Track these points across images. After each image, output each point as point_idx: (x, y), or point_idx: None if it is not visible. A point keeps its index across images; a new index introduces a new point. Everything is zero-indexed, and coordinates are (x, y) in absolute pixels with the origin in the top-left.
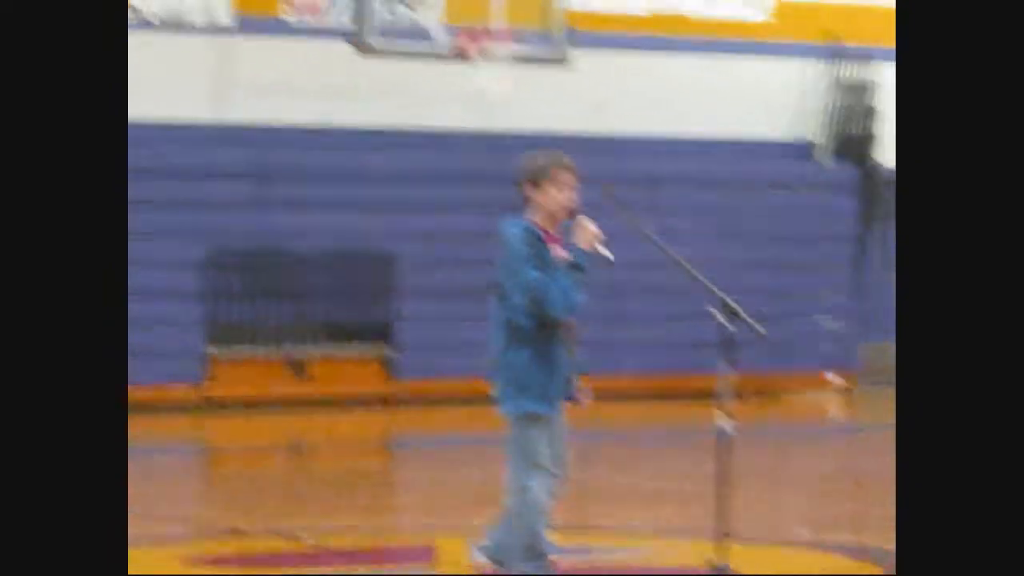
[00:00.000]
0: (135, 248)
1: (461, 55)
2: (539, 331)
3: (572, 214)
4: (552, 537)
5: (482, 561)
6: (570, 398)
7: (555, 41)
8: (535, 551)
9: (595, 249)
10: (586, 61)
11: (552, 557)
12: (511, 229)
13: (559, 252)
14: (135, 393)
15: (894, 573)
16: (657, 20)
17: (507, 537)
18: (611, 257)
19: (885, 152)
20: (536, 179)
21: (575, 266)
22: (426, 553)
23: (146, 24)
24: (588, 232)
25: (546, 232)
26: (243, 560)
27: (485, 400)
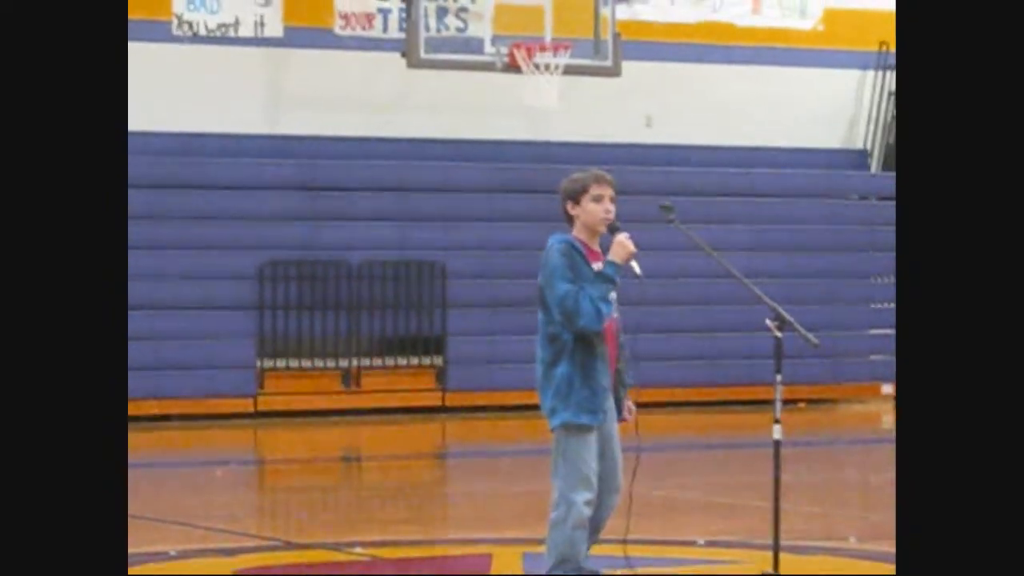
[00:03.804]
0: (188, 261)
1: (511, 67)
2: (579, 343)
3: (612, 227)
4: (600, 550)
5: None
6: (617, 418)
7: (605, 52)
8: (570, 566)
9: (628, 265)
10: (636, 71)
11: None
12: (552, 243)
13: (598, 266)
14: (190, 406)
15: None
16: (706, 29)
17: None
18: (639, 272)
19: None
20: (575, 196)
21: (605, 277)
22: (482, 564)
23: (197, 38)
24: (624, 249)
25: (586, 246)
26: (296, 572)
27: (536, 411)
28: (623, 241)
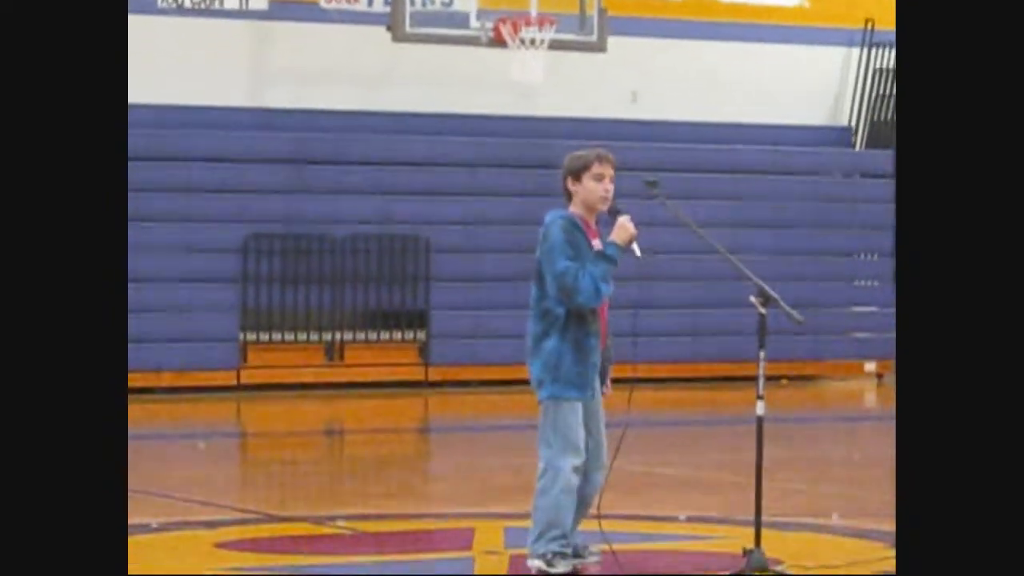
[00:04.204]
0: (173, 234)
1: (497, 41)
2: (573, 319)
3: (613, 210)
4: (583, 525)
5: (536, 564)
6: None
7: (590, 27)
8: (555, 531)
9: (629, 247)
10: (621, 47)
11: (583, 559)
12: (551, 219)
13: (597, 244)
14: (174, 378)
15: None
16: (692, 5)
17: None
18: (640, 255)
19: None
20: (576, 173)
21: (606, 257)
22: (464, 538)
23: (182, 10)
24: (626, 231)
25: (585, 223)
26: (278, 545)
27: (519, 386)
28: (625, 223)
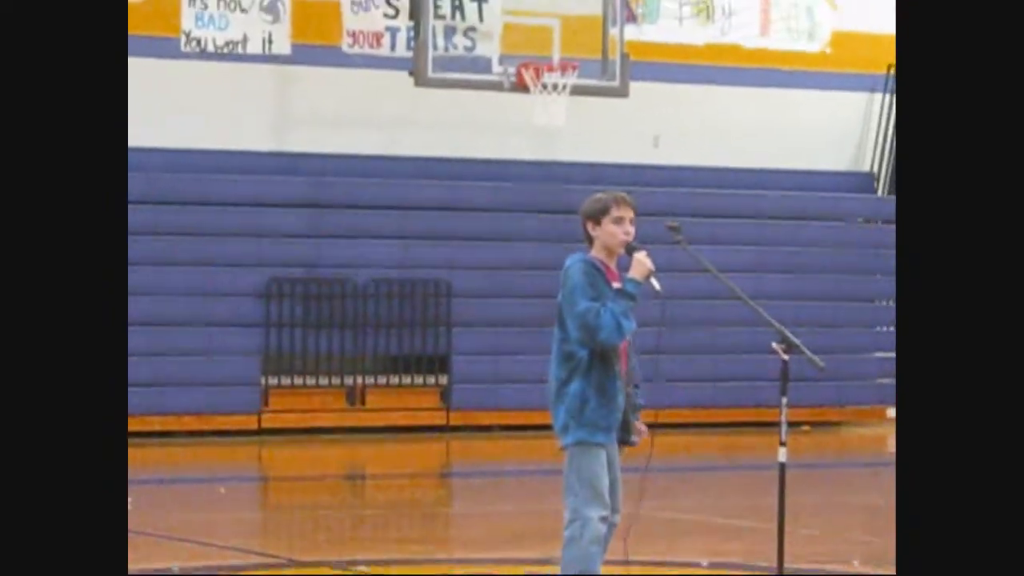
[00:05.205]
0: (194, 278)
1: (519, 86)
2: (596, 362)
3: (630, 248)
4: (605, 571)
5: None
6: (624, 441)
7: (613, 72)
8: None
9: (648, 282)
10: (643, 92)
11: None
12: (571, 263)
13: (618, 287)
14: (195, 422)
15: None
16: (714, 51)
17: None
18: (659, 288)
19: None
20: (595, 216)
21: (625, 293)
22: None
23: (205, 54)
24: (643, 267)
25: (605, 266)
26: None
27: (540, 431)
28: (641, 259)
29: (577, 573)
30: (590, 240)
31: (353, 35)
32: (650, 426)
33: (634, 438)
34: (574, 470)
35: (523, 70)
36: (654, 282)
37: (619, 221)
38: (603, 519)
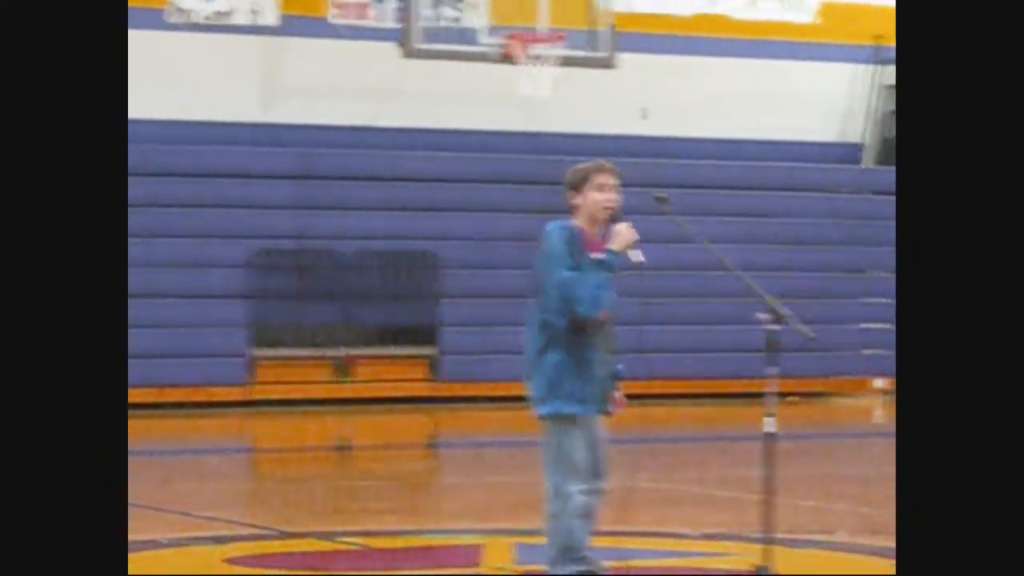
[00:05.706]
0: (182, 249)
1: (506, 57)
2: (573, 333)
3: (614, 218)
4: (595, 542)
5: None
6: (602, 411)
7: (600, 43)
8: (572, 554)
9: (628, 252)
10: (631, 63)
11: (595, 564)
12: (550, 229)
13: (597, 254)
14: (182, 394)
15: None
16: (701, 22)
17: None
18: (642, 260)
19: None
20: (578, 185)
21: (603, 264)
22: (473, 555)
23: (192, 26)
24: (624, 236)
25: (588, 235)
26: (288, 561)
27: (527, 402)
28: (622, 229)
29: (563, 546)
30: (574, 211)
31: (340, 6)
32: (635, 397)
33: (610, 407)
34: (550, 445)
35: (510, 41)
36: (631, 254)
37: (601, 188)
38: (582, 492)
